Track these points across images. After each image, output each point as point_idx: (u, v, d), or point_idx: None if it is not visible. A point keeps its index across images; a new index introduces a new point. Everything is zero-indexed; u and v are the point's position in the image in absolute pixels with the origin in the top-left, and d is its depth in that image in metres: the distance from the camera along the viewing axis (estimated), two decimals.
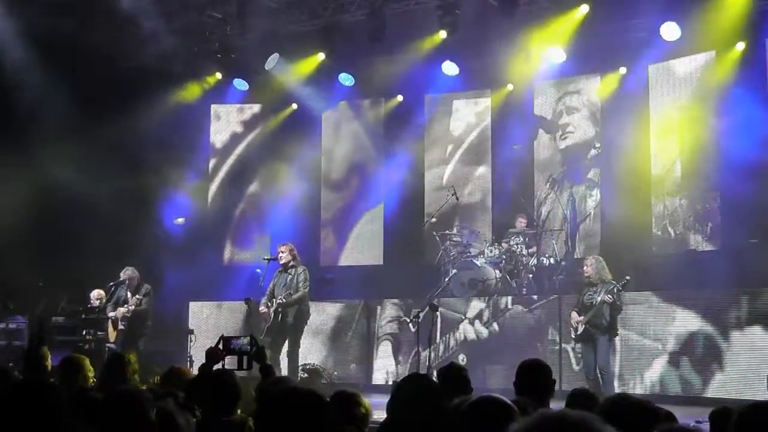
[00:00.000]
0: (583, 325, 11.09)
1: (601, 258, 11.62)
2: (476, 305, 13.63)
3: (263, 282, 12.89)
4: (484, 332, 13.46)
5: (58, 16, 14.32)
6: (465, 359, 12.74)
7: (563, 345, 12.68)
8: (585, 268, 11.32)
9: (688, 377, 11.96)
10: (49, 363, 7.33)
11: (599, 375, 10.96)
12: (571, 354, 12.51)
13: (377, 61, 15.34)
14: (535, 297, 13.47)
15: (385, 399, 4.62)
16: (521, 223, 14.83)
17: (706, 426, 5.03)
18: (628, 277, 11.14)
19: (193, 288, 15.71)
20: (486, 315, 13.50)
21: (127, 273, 13.21)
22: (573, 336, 11.44)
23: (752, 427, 3.22)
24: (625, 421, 3.56)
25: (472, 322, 13.58)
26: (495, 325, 13.41)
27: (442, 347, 13.67)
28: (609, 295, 10.90)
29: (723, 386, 11.65)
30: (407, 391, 4.47)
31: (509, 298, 13.54)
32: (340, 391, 4.94)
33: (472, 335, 13.55)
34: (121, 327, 13.04)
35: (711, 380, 11.78)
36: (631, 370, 12.36)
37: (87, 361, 6.70)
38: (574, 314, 11.32)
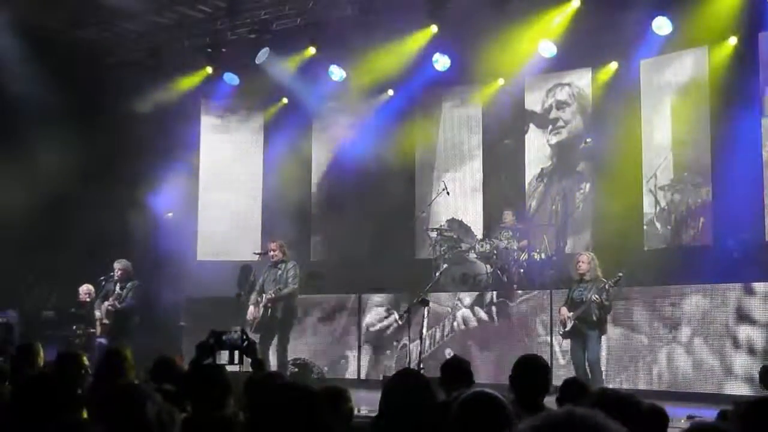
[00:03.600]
0: (572, 321, 11.07)
1: (593, 255, 11.59)
2: (466, 297, 13.63)
3: (254, 277, 12.86)
4: (480, 318, 13.43)
5: (47, 11, 14.29)
6: (451, 353, 12.68)
7: (552, 340, 12.66)
8: (580, 264, 11.18)
9: (681, 372, 11.96)
10: (42, 358, 7.29)
11: (589, 371, 10.93)
12: (558, 349, 12.49)
13: (368, 55, 15.31)
14: (522, 292, 13.46)
15: (373, 393, 4.61)
16: (507, 217, 14.81)
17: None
18: (620, 274, 11.06)
19: (183, 283, 15.69)
20: (477, 305, 13.49)
21: (120, 264, 13.18)
22: (561, 332, 11.39)
23: (757, 422, 3.22)
24: (609, 415, 3.55)
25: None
26: (490, 313, 13.39)
27: (428, 341, 13.64)
28: (596, 295, 10.87)
29: (717, 381, 11.66)
30: (398, 387, 4.46)
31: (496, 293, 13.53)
32: (329, 386, 4.94)
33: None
34: (105, 321, 13.01)
35: (704, 375, 11.78)
36: (622, 366, 12.37)
37: (83, 357, 6.68)
38: (563, 309, 11.27)
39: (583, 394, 5.57)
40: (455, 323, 13.63)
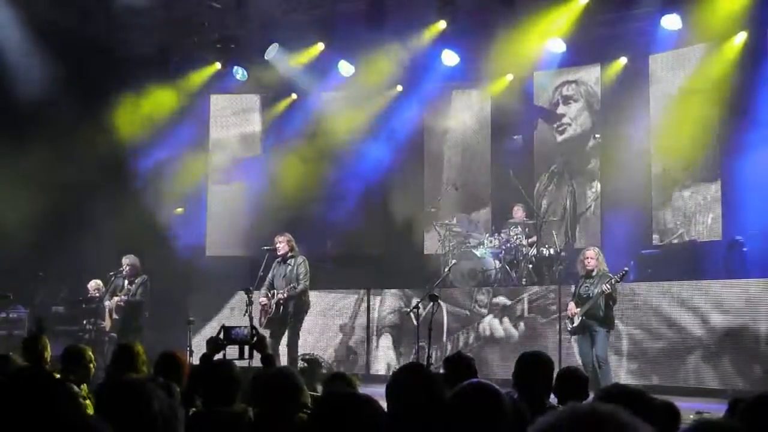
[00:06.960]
0: (580, 317, 11.06)
1: (598, 249, 11.59)
2: (486, 300, 13.60)
3: (263, 272, 12.85)
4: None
5: (57, 7, 14.31)
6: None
7: (561, 336, 12.65)
8: (588, 260, 11.17)
9: (690, 368, 11.95)
10: (49, 353, 7.32)
11: (597, 366, 10.93)
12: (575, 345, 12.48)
13: (377, 51, 15.30)
14: (534, 287, 13.46)
15: (381, 388, 4.58)
16: (518, 212, 14.80)
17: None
18: (626, 269, 11.10)
19: (192, 278, 15.71)
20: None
21: (128, 260, 13.22)
22: (569, 328, 11.38)
23: (760, 416, 3.22)
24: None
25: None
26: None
27: (449, 346, 13.57)
28: (606, 285, 10.86)
29: (725, 376, 11.64)
30: (404, 381, 4.44)
31: (508, 291, 13.51)
32: (338, 372, 4.95)
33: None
34: (115, 316, 13.05)
35: (713, 371, 11.77)
36: (632, 361, 12.35)
37: (89, 351, 6.70)
38: (571, 305, 11.28)
39: (580, 383, 5.57)
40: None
